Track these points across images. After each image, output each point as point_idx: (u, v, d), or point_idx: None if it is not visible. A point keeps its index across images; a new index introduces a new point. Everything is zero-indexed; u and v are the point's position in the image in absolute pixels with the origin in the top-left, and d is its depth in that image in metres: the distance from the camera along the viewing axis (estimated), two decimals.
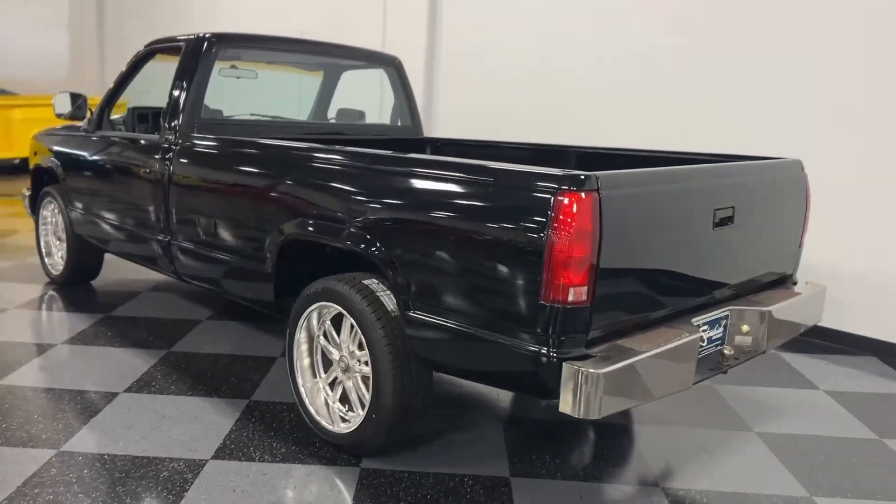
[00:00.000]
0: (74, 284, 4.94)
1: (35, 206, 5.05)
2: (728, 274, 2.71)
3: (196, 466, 2.67)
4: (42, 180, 4.95)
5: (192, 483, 2.56)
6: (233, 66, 4.36)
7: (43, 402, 3.13)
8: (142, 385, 3.35)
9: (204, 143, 3.48)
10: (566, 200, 2.06)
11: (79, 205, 4.44)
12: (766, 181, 2.82)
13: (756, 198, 2.76)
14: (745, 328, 2.71)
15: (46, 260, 5.03)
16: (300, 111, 4.94)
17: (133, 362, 3.62)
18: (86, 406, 3.11)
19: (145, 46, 4.09)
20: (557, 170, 2.14)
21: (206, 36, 3.68)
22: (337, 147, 2.91)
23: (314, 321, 2.89)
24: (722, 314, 2.66)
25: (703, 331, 2.57)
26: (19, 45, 13.20)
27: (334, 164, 2.83)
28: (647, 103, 5.18)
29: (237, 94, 4.54)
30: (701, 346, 2.57)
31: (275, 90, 4.81)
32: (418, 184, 2.48)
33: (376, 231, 2.56)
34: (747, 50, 4.67)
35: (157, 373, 3.50)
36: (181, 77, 3.67)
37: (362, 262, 2.76)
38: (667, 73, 5.06)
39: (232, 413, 3.11)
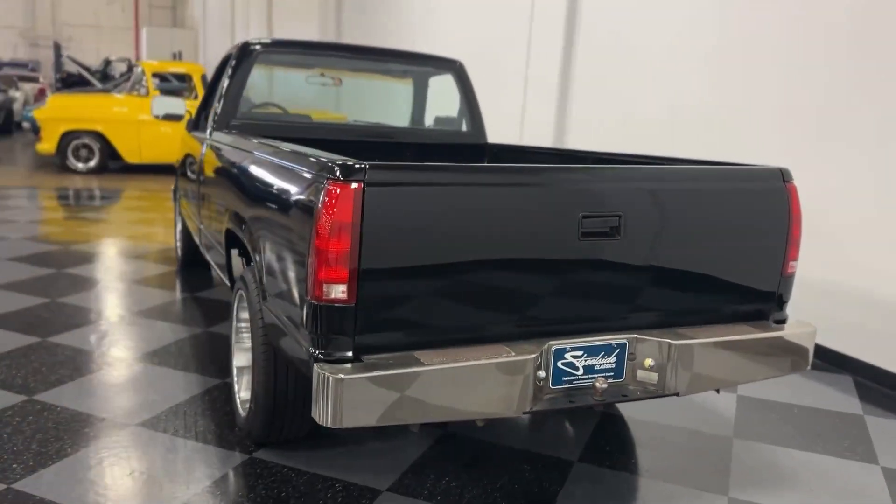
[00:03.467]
0: (192, 267, 5.57)
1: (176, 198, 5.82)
2: (626, 296, 2.28)
3: (116, 429, 2.89)
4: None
5: (97, 441, 2.79)
6: (322, 74, 4.63)
7: (62, 359, 3.60)
8: (150, 356, 3.69)
9: (215, 141, 3.76)
10: (331, 190, 1.92)
11: (180, 195, 5.04)
12: (700, 191, 2.32)
13: (676, 209, 2.29)
14: (648, 362, 2.26)
15: (179, 245, 5.76)
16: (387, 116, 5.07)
17: (165, 335, 4.01)
18: (90, 367, 3.52)
19: (225, 55, 4.51)
20: (342, 158, 2.00)
21: (249, 42, 3.97)
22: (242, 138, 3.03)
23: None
24: (614, 341, 2.24)
25: (577, 357, 2.19)
26: None
27: (238, 158, 2.94)
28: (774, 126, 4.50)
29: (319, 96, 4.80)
30: (574, 375, 2.21)
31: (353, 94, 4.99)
32: (256, 174, 2.50)
33: (244, 221, 2.59)
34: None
35: (174, 347, 3.84)
36: (226, 79, 4.00)
37: None
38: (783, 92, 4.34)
39: (194, 390, 3.31)
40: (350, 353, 1.97)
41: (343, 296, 1.93)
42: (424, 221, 1.98)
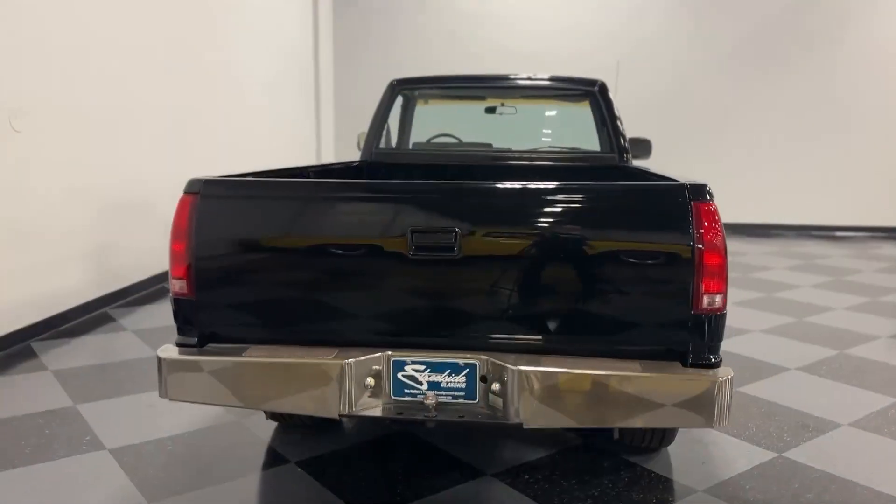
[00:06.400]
0: None
1: None
2: (478, 315, 2.22)
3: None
4: None
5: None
6: (502, 105, 4.87)
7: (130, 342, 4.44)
8: None
9: None
10: (180, 199, 2.26)
11: None
12: (571, 210, 2.18)
13: (535, 228, 2.18)
14: (495, 386, 2.19)
15: None
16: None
17: None
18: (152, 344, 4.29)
19: None
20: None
21: (394, 80, 4.47)
22: None
23: None
24: (462, 361, 2.22)
25: (419, 371, 2.22)
26: None
27: None
28: None
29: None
30: (418, 389, 2.23)
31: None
32: None
33: None
34: None
35: None
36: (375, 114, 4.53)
37: None
38: None
39: None
40: (195, 341, 2.29)
41: (184, 290, 2.26)
42: (255, 230, 2.23)
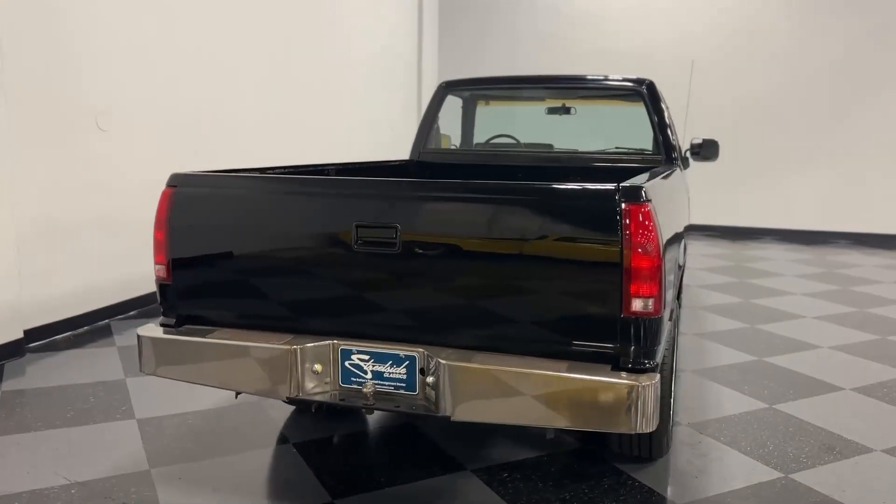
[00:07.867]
0: None
1: None
2: (419, 309, 2.28)
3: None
4: None
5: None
6: (563, 105, 4.95)
7: None
8: None
9: None
10: (162, 193, 2.49)
11: None
12: (505, 209, 2.19)
13: (472, 226, 2.21)
14: (430, 379, 2.25)
15: None
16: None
17: None
18: None
19: None
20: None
21: (441, 84, 4.63)
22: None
23: None
24: (402, 353, 2.29)
25: (364, 361, 2.32)
26: None
27: None
28: None
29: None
30: (363, 378, 2.33)
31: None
32: None
33: None
34: None
35: None
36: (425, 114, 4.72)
37: None
38: None
39: None
40: (174, 322, 2.52)
41: (164, 275, 2.49)
42: (222, 222, 2.41)
